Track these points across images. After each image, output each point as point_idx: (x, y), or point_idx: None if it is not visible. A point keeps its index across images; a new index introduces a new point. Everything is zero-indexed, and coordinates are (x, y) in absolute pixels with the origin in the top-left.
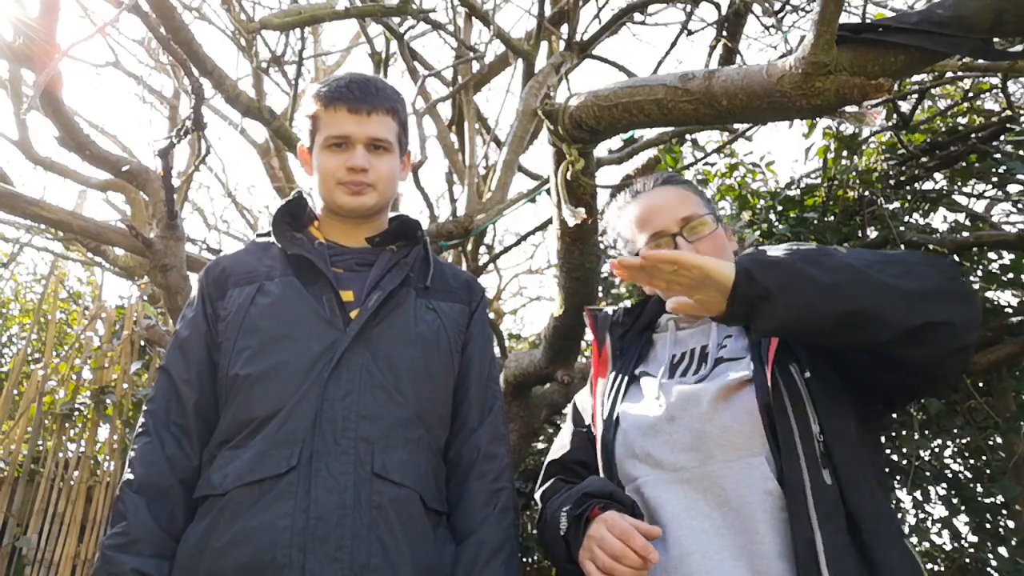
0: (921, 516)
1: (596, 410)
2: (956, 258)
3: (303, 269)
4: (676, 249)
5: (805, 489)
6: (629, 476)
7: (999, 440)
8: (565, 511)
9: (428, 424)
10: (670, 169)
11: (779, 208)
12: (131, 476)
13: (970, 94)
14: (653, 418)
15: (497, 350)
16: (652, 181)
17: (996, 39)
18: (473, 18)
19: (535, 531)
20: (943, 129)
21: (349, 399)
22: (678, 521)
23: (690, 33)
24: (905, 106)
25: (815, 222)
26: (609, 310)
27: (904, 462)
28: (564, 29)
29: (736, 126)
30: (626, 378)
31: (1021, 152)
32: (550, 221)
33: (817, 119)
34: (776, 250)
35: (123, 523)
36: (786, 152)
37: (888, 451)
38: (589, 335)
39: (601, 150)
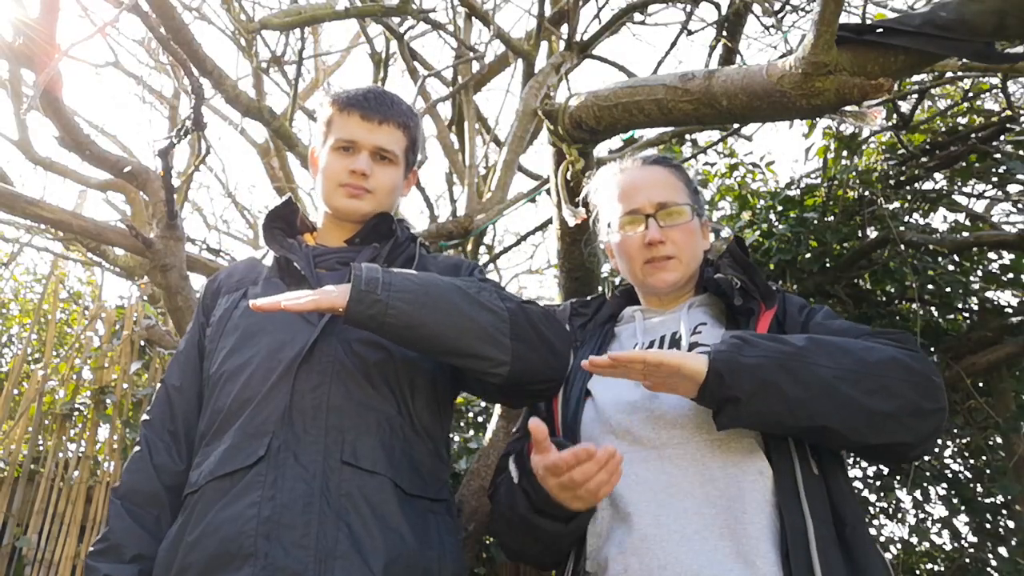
0: (921, 516)
1: (558, 398)
2: (956, 257)
3: (289, 271)
4: (647, 229)
5: (796, 477)
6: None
7: (999, 440)
8: (512, 458)
9: (406, 409)
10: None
11: (779, 208)
12: (118, 483)
13: (970, 94)
14: (633, 394)
15: None
16: (643, 159)
17: (998, 41)
18: (473, 18)
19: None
20: (943, 129)
21: (320, 389)
22: (657, 500)
23: (690, 33)
24: (905, 106)
25: (815, 222)
26: (567, 303)
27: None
28: (564, 29)
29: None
30: None
31: (1021, 152)
32: (550, 221)
33: (817, 119)
34: (759, 343)
35: (105, 530)
36: (786, 152)
37: None
38: None
39: (601, 150)
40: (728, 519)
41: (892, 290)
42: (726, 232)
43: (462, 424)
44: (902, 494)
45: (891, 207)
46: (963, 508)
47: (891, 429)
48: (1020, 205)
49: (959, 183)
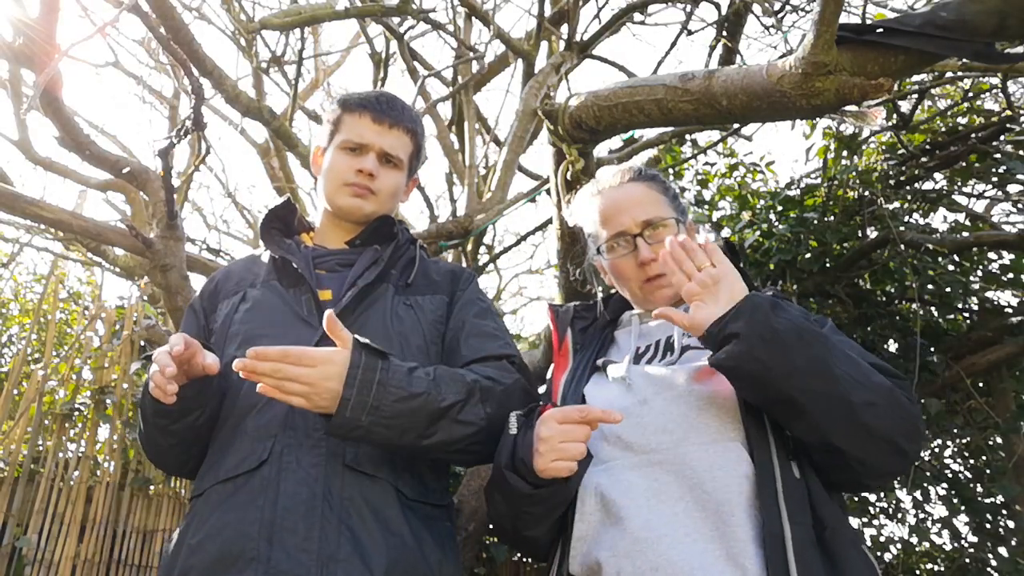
0: (921, 516)
1: (557, 399)
2: (956, 257)
3: (286, 273)
4: (635, 250)
5: (776, 480)
6: (596, 459)
7: (999, 440)
8: (515, 415)
9: None
10: (643, 165)
11: (779, 208)
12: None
13: (970, 94)
14: (624, 400)
15: None
16: (620, 176)
17: (998, 42)
18: (473, 18)
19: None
20: (943, 129)
21: None
22: (648, 504)
23: (690, 33)
24: (905, 106)
25: (815, 222)
26: (570, 305)
27: None
28: (564, 29)
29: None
30: (588, 367)
31: (1021, 152)
32: (550, 221)
33: (817, 119)
34: (790, 309)
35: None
36: (786, 152)
37: None
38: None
39: (601, 150)
40: (717, 522)
41: (892, 290)
42: (726, 232)
43: None
44: (902, 494)
45: (891, 207)
46: (963, 508)
47: (862, 443)
48: (1020, 205)
49: (959, 183)
